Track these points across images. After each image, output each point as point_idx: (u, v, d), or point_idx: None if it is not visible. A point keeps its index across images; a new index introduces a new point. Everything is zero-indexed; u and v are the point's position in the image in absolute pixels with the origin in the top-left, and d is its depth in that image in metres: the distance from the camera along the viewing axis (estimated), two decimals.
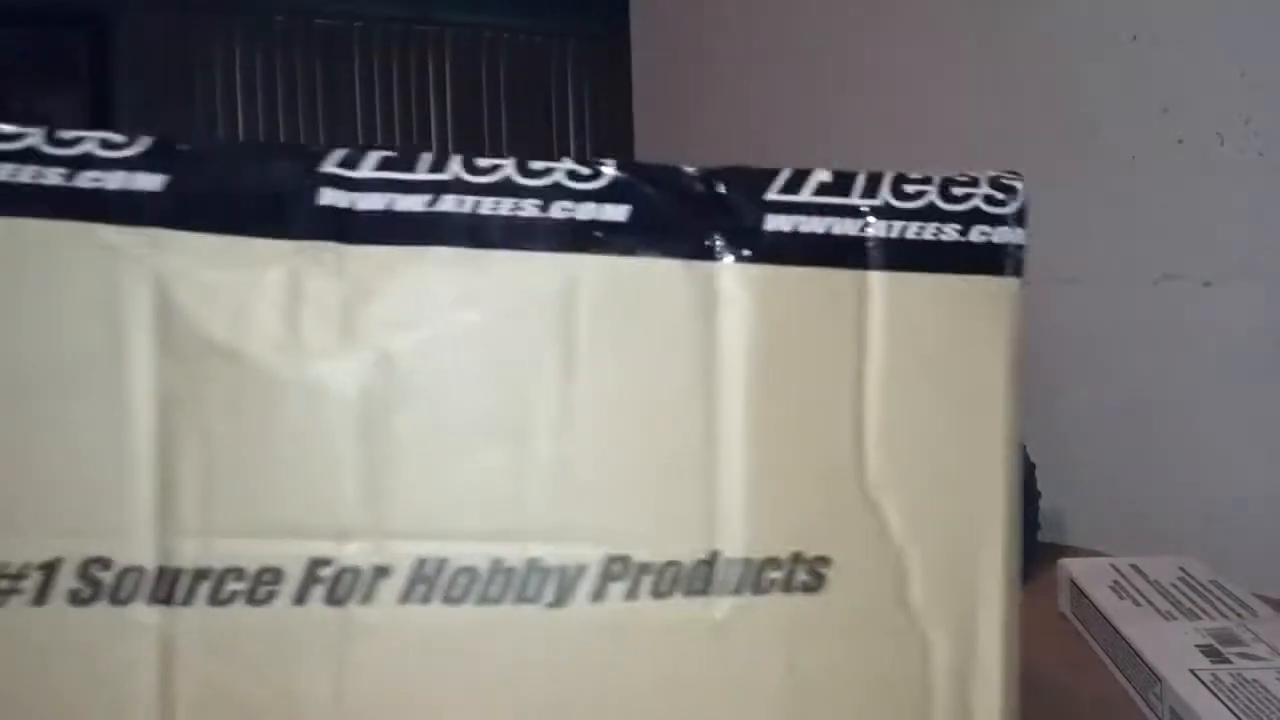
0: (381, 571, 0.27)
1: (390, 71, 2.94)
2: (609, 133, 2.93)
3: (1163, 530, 0.64)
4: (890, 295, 0.29)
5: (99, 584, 0.26)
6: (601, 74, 2.94)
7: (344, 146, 0.27)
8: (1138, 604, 0.48)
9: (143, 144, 0.26)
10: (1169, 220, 0.64)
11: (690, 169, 0.28)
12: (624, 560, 0.28)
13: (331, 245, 0.26)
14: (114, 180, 0.26)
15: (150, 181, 0.26)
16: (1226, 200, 0.61)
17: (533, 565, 0.27)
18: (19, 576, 0.26)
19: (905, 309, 0.29)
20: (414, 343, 0.27)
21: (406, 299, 0.27)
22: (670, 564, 0.28)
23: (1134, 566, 0.53)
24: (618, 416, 0.28)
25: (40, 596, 0.26)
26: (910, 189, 0.29)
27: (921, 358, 0.29)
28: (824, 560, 0.29)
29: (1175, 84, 0.63)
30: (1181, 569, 0.52)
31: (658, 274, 0.28)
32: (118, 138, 0.26)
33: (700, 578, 0.28)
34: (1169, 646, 0.43)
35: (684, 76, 1.16)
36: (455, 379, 0.27)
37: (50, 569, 0.26)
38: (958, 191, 0.29)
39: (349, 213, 0.26)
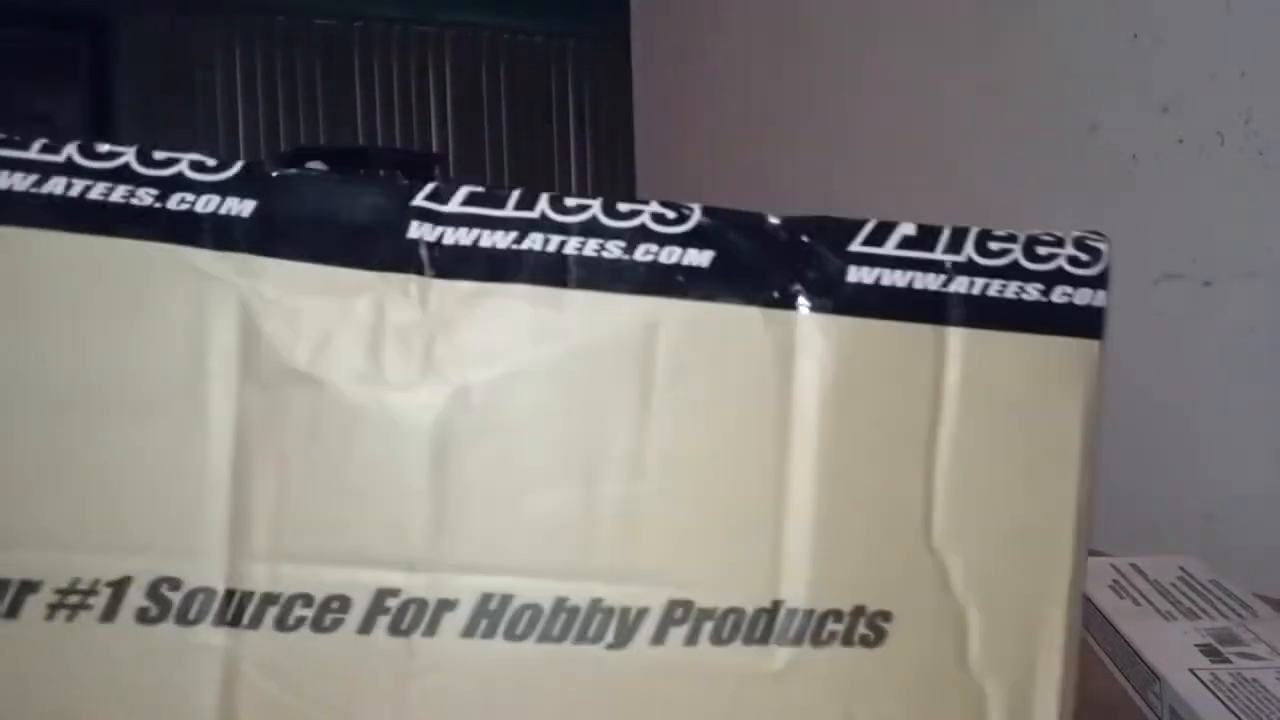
0: (446, 604, 0.27)
1: (390, 71, 2.94)
2: (609, 133, 2.93)
3: (1163, 530, 0.64)
4: (968, 352, 0.29)
5: (167, 604, 0.26)
6: (601, 74, 2.94)
7: (435, 181, 0.27)
8: (1137, 604, 0.48)
9: (234, 168, 0.26)
10: (1169, 220, 0.64)
11: (775, 217, 0.28)
12: (686, 605, 0.28)
13: (416, 278, 0.26)
14: (205, 204, 0.26)
15: (241, 207, 0.26)
16: (1226, 200, 0.60)
17: (595, 605, 0.27)
18: (89, 593, 0.26)
19: (982, 366, 0.29)
20: (491, 377, 0.27)
21: (487, 334, 0.27)
22: (732, 611, 0.28)
23: (1134, 566, 0.53)
24: (689, 460, 0.28)
25: (109, 613, 0.26)
26: (995, 246, 0.28)
27: (996, 415, 0.29)
28: (885, 615, 0.29)
29: (1175, 84, 0.63)
30: (1181, 569, 0.52)
31: (736, 320, 0.28)
32: (209, 160, 0.26)
33: (761, 626, 0.28)
34: (1169, 646, 0.43)
35: (684, 76, 1.16)
36: (530, 415, 0.27)
37: (120, 586, 0.26)
38: (1042, 251, 0.29)
39: (436, 246, 0.26)
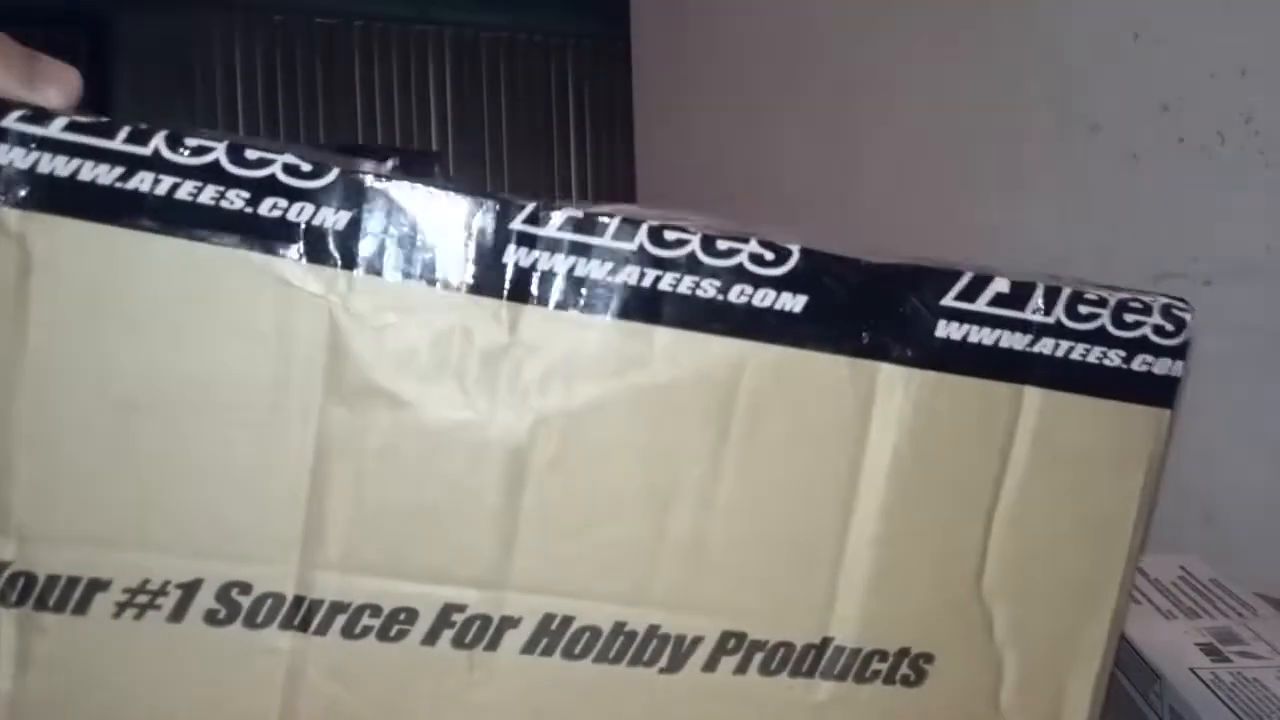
0: (509, 621, 0.27)
1: (390, 71, 2.94)
2: (609, 133, 2.92)
3: (1163, 530, 0.64)
4: (1043, 412, 0.29)
5: (237, 607, 0.26)
6: (601, 74, 2.94)
7: (534, 199, 0.26)
8: (1138, 603, 0.48)
9: (329, 175, 0.25)
10: (1169, 220, 0.64)
11: (872, 261, 0.28)
12: (740, 636, 0.29)
13: (508, 303, 0.26)
14: (297, 212, 0.25)
15: (335, 219, 0.25)
16: (1226, 200, 0.60)
17: (653, 631, 0.28)
18: (158, 593, 0.26)
19: (1054, 427, 0.29)
20: (573, 407, 0.27)
21: (573, 364, 0.27)
22: (782, 644, 0.29)
23: None
24: (758, 498, 0.28)
25: (177, 614, 0.26)
26: (1084, 309, 0.29)
27: (1060, 474, 0.29)
28: (928, 657, 0.29)
29: (1175, 84, 0.63)
30: (1182, 568, 0.52)
31: (821, 368, 0.28)
32: (303, 164, 0.25)
33: (808, 660, 0.29)
34: (1169, 645, 0.43)
35: (684, 76, 1.16)
36: (608, 446, 0.27)
37: (190, 589, 0.26)
38: (1129, 318, 0.29)
39: (530, 271, 0.26)
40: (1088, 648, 0.30)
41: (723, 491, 0.28)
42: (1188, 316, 0.29)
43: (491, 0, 2.93)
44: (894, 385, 0.28)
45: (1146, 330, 0.29)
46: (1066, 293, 0.28)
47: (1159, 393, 0.29)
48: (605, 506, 0.27)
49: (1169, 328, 0.29)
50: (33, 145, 0.24)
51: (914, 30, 0.84)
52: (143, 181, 0.24)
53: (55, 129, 0.24)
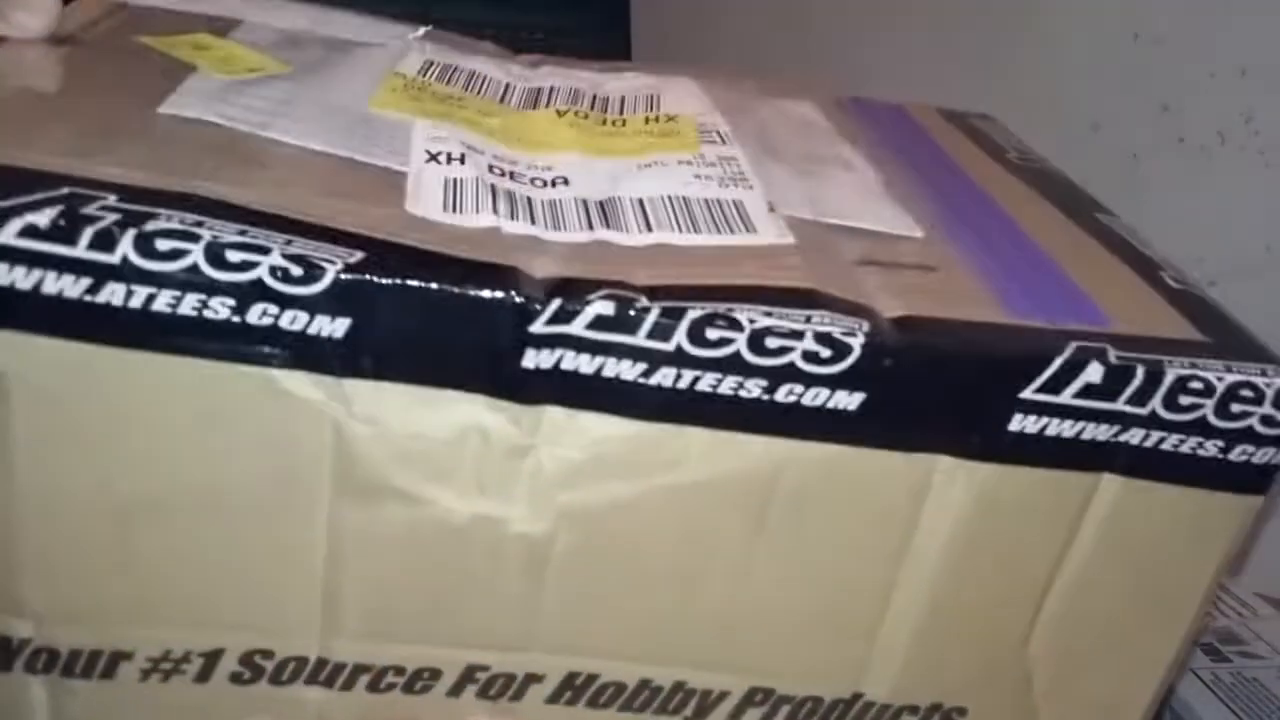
0: (533, 677, 0.27)
1: None
2: None
3: None
4: (1118, 500, 0.26)
5: (261, 670, 0.26)
6: None
7: (562, 296, 0.23)
8: None
9: (323, 281, 0.22)
10: (1169, 220, 0.64)
11: (947, 344, 0.24)
12: (767, 691, 0.28)
13: (529, 407, 0.24)
14: (290, 320, 0.22)
15: (332, 327, 0.22)
16: (1227, 200, 0.60)
17: (679, 686, 0.27)
18: (182, 660, 0.26)
19: (1129, 513, 0.26)
20: (597, 504, 0.25)
21: (597, 465, 0.24)
22: (810, 698, 0.28)
23: None
24: (795, 574, 0.26)
25: (203, 676, 0.26)
26: (1186, 400, 0.25)
27: (1127, 557, 0.27)
28: (960, 710, 0.28)
29: (1175, 83, 0.63)
30: None
31: (873, 463, 0.25)
32: (293, 268, 0.21)
33: (836, 713, 0.28)
34: None
35: None
36: (636, 539, 0.25)
37: (212, 656, 0.26)
38: (1236, 408, 0.25)
39: (554, 373, 0.23)
40: (1131, 705, 0.29)
41: (758, 567, 0.26)
42: None
43: (492, 0, 2.93)
44: (953, 478, 0.25)
45: (1253, 421, 0.25)
46: (1170, 378, 0.24)
47: (1254, 481, 0.26)
48: (632, 586, 0.26)
49: (1279, 416, 0.25)
50: None
51: (914, 31, 0.84)
52: (114, 294, 0.21)
53: (9, 235, 0.21)
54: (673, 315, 0.23)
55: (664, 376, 0.23)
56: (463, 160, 0.28)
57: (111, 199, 0.21)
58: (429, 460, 0.24)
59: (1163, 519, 0.26)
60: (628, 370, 0.23)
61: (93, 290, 0.21)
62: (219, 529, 0.25)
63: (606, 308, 0.23)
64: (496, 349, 0.23)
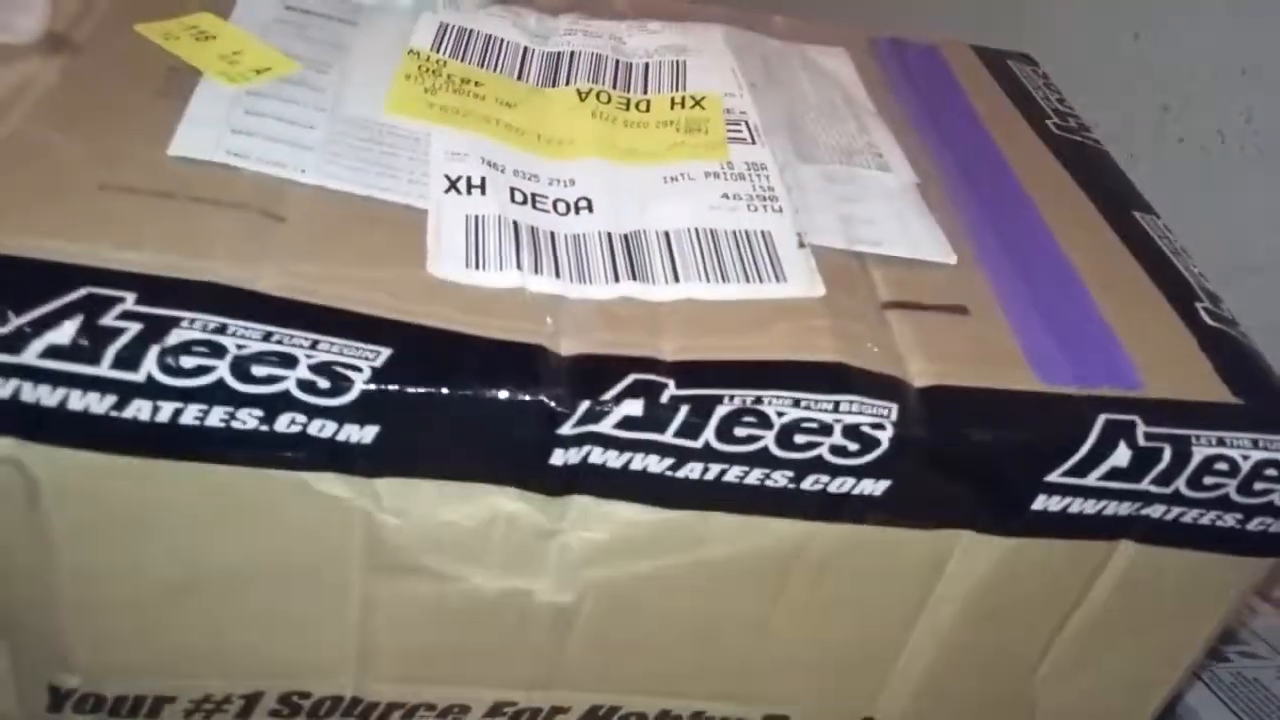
0: (558, 710, 0.28)
1: None
2: None
3: None
4: (1133, 563, 0.26)
5: (298, 708, 0.27)
6: None
7: (589, 393, 0.22)
8: None
9: (351, 394, 0.21)
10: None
11: (975, 432, 0.24)
12: (782, 718, 0.29)
13: (558, 499, 0.24)
14: (318, 428, 0.22)
15: (361, 434, 0.22)
16: (1227, 199, 0.60)
17: (697, 715, 0.29)
18: (224, 702, 0.27)
19: (1144, 576, 0.26)
20: (621, 578, 0.25)
21: (623, 546, 0.25)
22: None
23: None
24: (814, 629, 0.27)
25: (243, 715, 0.27)
26: (1210, 480, 0.24)
27: (1141, 609, 0.27)
28: None
29: (1175, 83, 0.63)
30: None
31: (896, 538, 0.25)
32: (320, 381, 0.21)
33: None
34: None
35: None
36: (659, 607, 0.26)
37: (252, 699, 0.27)
38: (1259, 486, 0.25)
39: (581, 468, 0.23)
40: None
41: (778, 623, 0.27)
42: None
43: None
44: (974, 551, 0.25)
45: (1275, 497, 0.25)
46: (1197, 460, 0.24)
47: (1270, 546, 0.26)
48: (655, 641, 0.27)
49: None
50: (9, 373, 0.20)
51: (914, 31, 0.84)
52: (140, 410, 0.21)
53: (31, 356, 0.20)
54: (701, 414, 0.22)
55: (691, 470, 0.23)
56: (483, 189, 0.27)
57: (130, 300, 0.21)
58: (458, 544, 0.24)
59: (1176, 578, 0.27)
60: (655, 464, 0.23)
61: (119, 406, 0.21)
62: (252, 605, 0.25)
63: (635, 408, 0.22)
64: (525, 449, 0.23)
